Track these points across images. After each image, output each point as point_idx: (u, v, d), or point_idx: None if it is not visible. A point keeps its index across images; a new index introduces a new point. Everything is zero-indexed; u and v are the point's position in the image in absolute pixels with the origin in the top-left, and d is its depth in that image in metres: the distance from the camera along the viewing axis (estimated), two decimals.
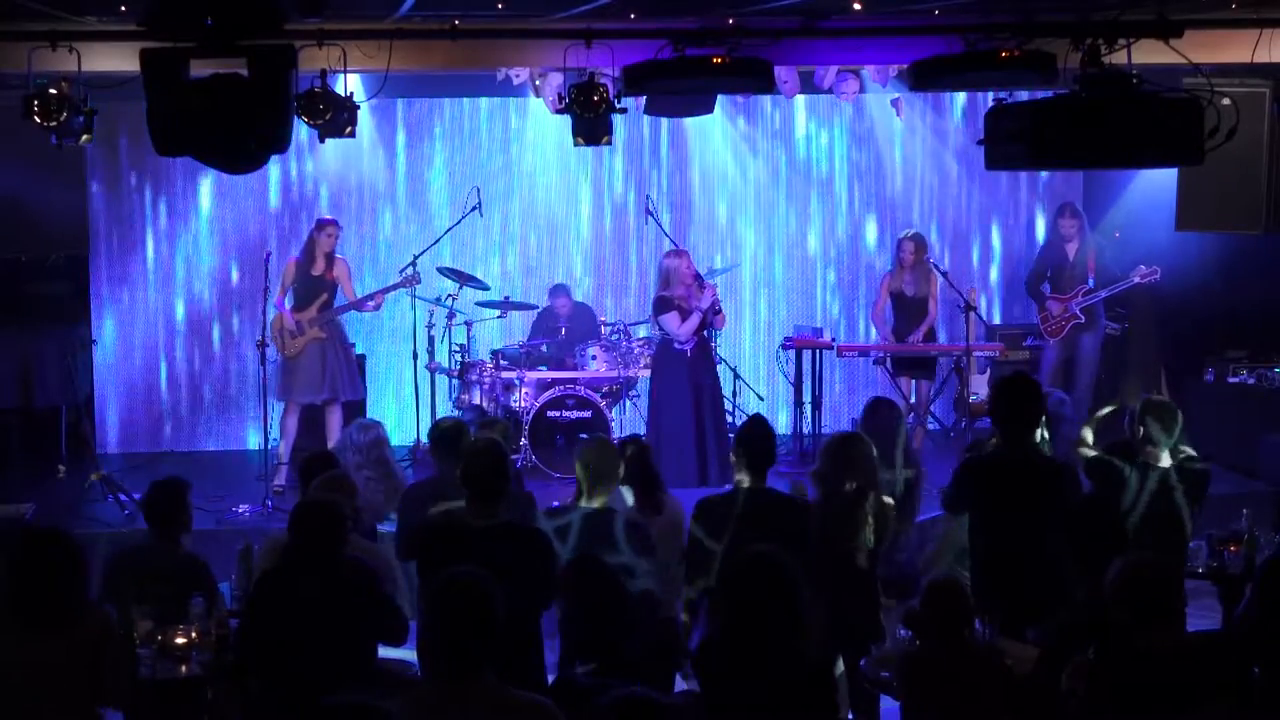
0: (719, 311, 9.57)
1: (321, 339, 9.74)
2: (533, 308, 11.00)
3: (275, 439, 9.71)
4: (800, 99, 11.16)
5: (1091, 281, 10.50)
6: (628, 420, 10.90)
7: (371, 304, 9.95)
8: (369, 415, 11.01)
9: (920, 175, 11.71)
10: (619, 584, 5.44)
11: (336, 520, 5.32)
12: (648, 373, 10.36)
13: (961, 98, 11.52)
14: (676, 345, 9.46)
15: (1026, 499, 5.64)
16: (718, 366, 9.96)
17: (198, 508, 8.63)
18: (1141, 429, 6.31)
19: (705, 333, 9.61)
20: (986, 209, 11.83)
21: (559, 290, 10.90)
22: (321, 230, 9.76)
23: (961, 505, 6.06)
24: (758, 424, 5.94)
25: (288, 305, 9.73)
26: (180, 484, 6.05)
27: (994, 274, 11.88)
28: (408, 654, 5.81)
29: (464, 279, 10.53)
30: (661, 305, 9.44)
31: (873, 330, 11.03)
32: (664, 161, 11.58)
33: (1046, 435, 6.65)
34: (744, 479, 5.73)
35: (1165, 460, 6.27)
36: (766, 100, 11.33)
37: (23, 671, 4.52)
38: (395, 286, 10.06)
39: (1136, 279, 10.35)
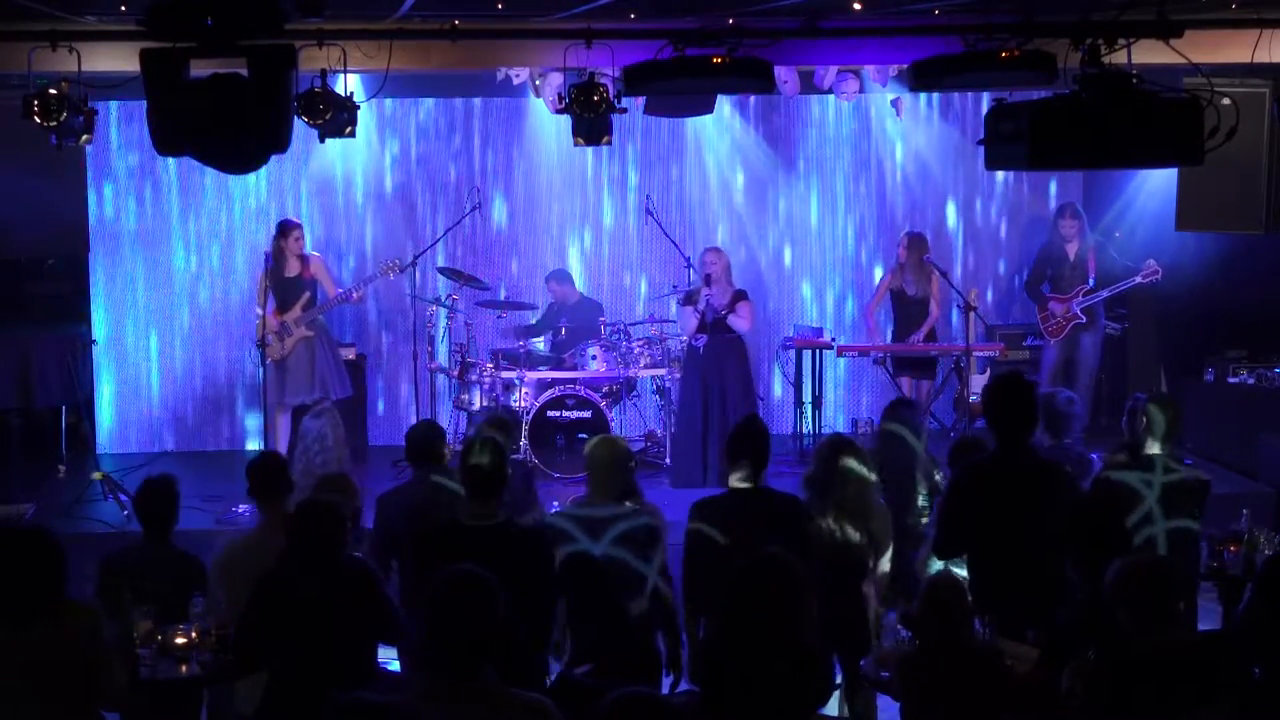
0: (727, 314, 9.54)
1: (310, 337, 9.78)
2: (532, 307, 11.01)
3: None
4: (801, 99, 11.16)
5: (1092, 281, 10.50)
6: (628, 420, 10.92)
7: (356, 295, 9.99)
8: (369, 416, 11.09)
9: (921, 175, 11.71)
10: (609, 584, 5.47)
11: (336, 520, 5.32)
12: (648, 373, 10.43)
13: (960, 97, 11.52)
14: (691, 341, 9.65)
15: (1025, 500, 5.62)
16: (739, 366, 9.76)
17: (196, 508, 8.76)
18: (1144, 421, 6.30)
19: (729, 322, 9.60)
20: (987, 208, 11.83)
21: (550, 276, 10.93)
22: (287, 235, 9.79)
23: (954, 547, 5.83)
24: (751, 424, 5.94)
25: (270, 309, 9.78)
26: (170, 481, 6.02)
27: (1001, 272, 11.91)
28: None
29: (464, 279, 10.54)
30: (683, 299, 9.84)
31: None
32: (664, 161, 11.57)
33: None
34: (739, 480, 5.73)
35: (1158, 449, 6.26)
36: (767, 100, 11.32)
37: (15, 671, 4.51)
38: (376, 276, 10.14)
39: (1139, 278, 10.34)
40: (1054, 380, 10.29)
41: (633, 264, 11.59)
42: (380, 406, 11.43)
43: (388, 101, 10.71)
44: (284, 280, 9.78)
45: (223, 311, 11.22)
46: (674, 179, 11.54)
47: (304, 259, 9.84)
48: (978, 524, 5.67)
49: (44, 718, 4.57)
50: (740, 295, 9.64)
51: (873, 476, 6.08)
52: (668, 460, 10.18)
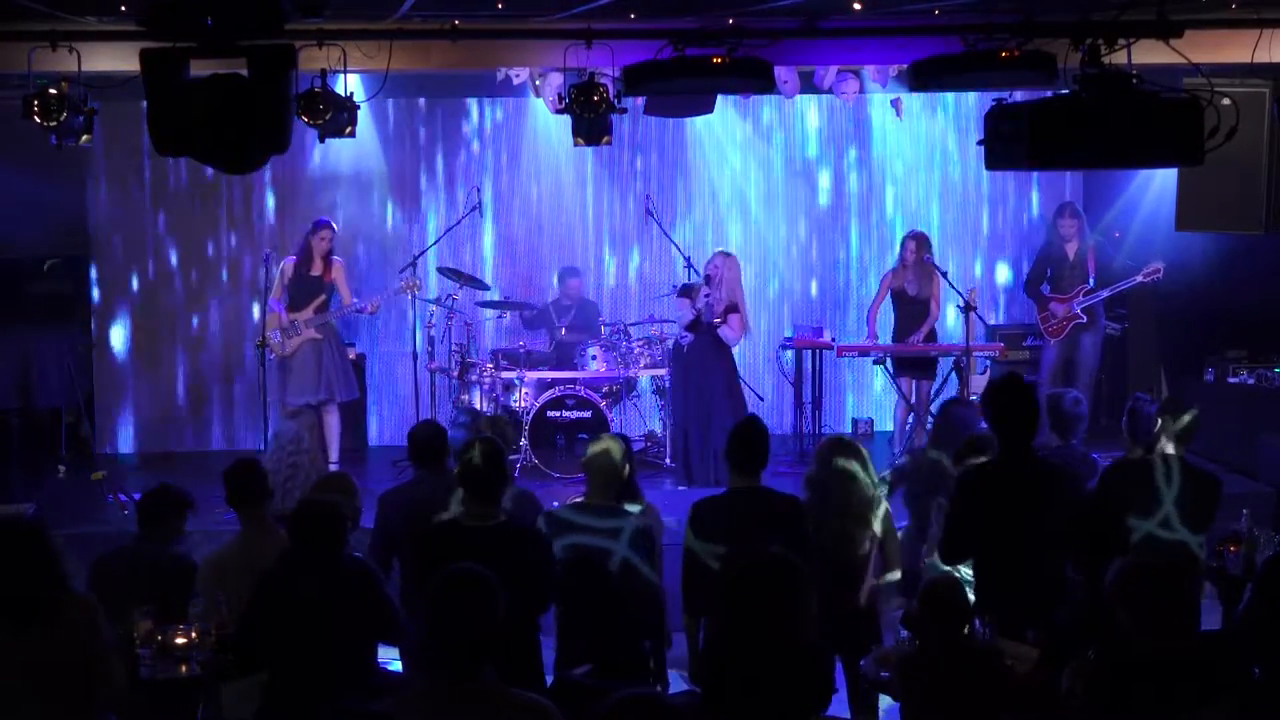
0: (720, 323, 9.54)
1: (318, 339, 9.76)
2: (532, 307, 11.01)
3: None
4: (801, 99, 11.15)
5: (1092, 281, 10.50)
6: (628, 420, 10.92)
7: (371, 307, 9.99)
8: (369, 416, 11.09)
9: (922, 174, 11.71)
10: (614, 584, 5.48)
11: (336, 520, 5.32)
12: (648, 373, 10.43)
13: (966, 97, 11.51)
14: (679, 338, 9.75)
15: (1026, 502, 5.61)
16: (722, 366, 9.73)
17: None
18: (1160, 424, 6.30)
19: (718, 333, 9.60)
20: (987, 209, 11.83)
21: (564, 272, 10.94)
22: (317, 233, 9.79)
23: (960, 552, 5.77)
24: (749, 425, 5.94)
25: (283, 305, 9.75)
26: (179, 495, 6.05)
27: (1004, 275, 11.90)
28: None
29: (464, 279, 10.54)
30: (680, 290, 9.92)
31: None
32: (665, 162, 11.57)
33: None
34: (738, 480, 5.73)
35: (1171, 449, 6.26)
36: (767, 100, 11.31)
37: (14, 672, 4.51)
38: (395, 292, 10.13)
39: (1140, 277, 10.33)
40: (1054, 380, 10.28)
41: (632, 265, 11.59)
42: (380, 406, 11.43)
43: (386, 101, 10.70)
44: (304, 278, 9.77)
45: (226, 311, 11.22)
46: (674, 179, 11.53)
47: (327, 261, 9.84)
48: (981, 527, 5.67)
49: (45, 718, 4.57)
50: (732, 308, 9.57)
51: (871, 478, 6.07)
52: (668, 460, 10.19)
